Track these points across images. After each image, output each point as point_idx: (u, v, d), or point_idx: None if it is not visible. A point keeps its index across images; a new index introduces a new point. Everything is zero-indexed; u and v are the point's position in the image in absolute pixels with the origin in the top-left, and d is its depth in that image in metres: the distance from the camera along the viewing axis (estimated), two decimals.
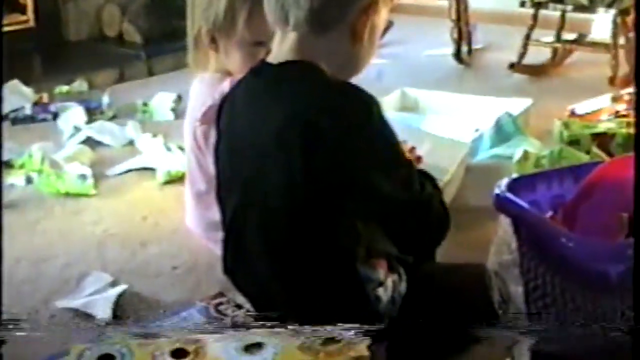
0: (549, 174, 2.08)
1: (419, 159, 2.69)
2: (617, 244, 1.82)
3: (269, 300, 1.87)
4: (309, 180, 1.68)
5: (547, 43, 4.66)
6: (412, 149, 2.73)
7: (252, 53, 2.30)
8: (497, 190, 1.93)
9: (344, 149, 1.66)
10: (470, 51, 4.85)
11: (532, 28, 4.50)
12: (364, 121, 1.67)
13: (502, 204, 1.90)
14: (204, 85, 2.38)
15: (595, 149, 3.05)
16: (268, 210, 1.77)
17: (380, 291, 1.85)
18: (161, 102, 3.98)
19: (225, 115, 1.89)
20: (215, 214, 2.37)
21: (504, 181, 1.96)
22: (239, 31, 2.30)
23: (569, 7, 4.43)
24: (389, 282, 1.87)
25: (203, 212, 2.44)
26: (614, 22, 4.30)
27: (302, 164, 1.66)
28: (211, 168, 2.35)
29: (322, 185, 1.68)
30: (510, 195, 1.89)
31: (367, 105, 1.68)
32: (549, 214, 1.96)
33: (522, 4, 4.50)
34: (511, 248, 1.97)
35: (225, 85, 2.29)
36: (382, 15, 1.77)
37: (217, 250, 2.37)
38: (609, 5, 4.27)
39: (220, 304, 1.87)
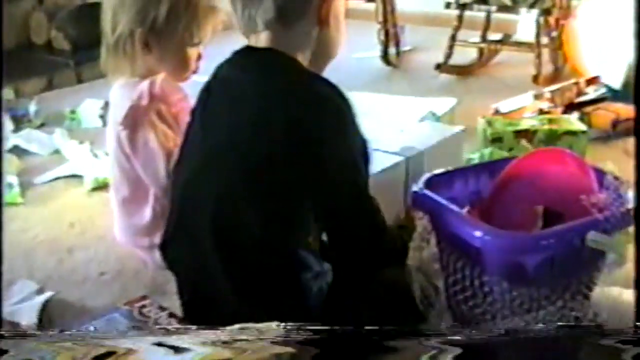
0: (465, 170, 2.12)
1: None
2: (531, 235, 1.87)
3: (204, 278, 1.88)
4: (280, 167, 1.74)
5: (473, 43, 4.73)
6: None
7: (190, 54, 2.31)
8: (414, 188, 1.97)
9: (323, 143, 1.74)
10: (398, 53, 4.89)
11: (457, 29, 4.56)
12: (343, 119, 1.77)
13: (419, 201, 1.94)
14: (124, 89, 2.36)
15: (524, 142, 3.10)
16: (225, 189, 1.82)
17: (312, 281, 1.88)
18: (89, 109, 3.94)
19: (200, 100, 1.93)
20: (140, 219, 2.39)
21: (422, 178, 2.00)
22: (179, 33, 2.29)
23: (493, 8, 4.50)
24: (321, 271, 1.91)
25: (128, 219, 2.43)
26: (537, 22, 4.38)
27: (277, 151, 1.73)
28: (136, 172, 2.35)
29: (291, 175, 1.75)
30: (427, 192, 1.93)
31: (347, 103, 1.78)
32: (466, 209, 2.01)
33: (447, 6, 4.56)
34: (430, 244, 2.01)
35: (144, 86, 2.28)
36: (342, 0, 1.87)
37: (144, 256, 2.39)
38: (531, 6, 4.34)
39: (144, 306, 1.88)
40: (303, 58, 1.84)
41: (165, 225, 2.02)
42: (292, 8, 1.79)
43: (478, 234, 1.78)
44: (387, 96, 3.78)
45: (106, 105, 3.82)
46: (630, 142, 3.42)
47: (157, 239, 2.22)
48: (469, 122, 3.52)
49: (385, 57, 4.81)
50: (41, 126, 3.92)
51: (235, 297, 1.82)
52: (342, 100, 1.78)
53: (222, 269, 1.84)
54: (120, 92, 2.38)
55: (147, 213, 2.36)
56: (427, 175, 2.02)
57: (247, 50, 1.85)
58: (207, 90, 1.92)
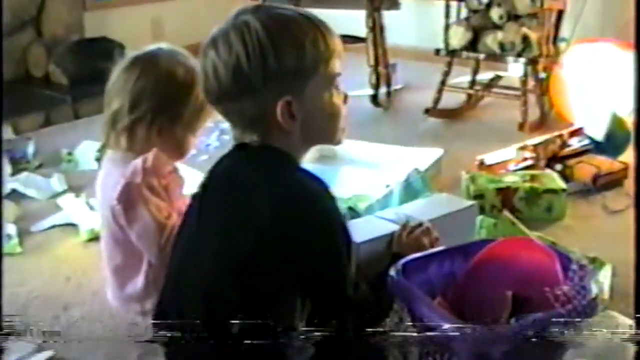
0: (440, 253, 2.21)
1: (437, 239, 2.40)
2: (499, 330, 1.95)
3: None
4: (266, 260, 1.83)
5: (462, 89, 4.83)
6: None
7: (191, 141, 2.45)
8: (391, 273, 2.07)
9: (306, 239, 1.83)
10: (389, 93, 4.98)
11: (446, 74, 4.67)
12: (326, 214, 1.86)
13: (394, 288, 2.04)
14: (117, 163, 2.46)
15: (506, 213, 3.18)
16: (215, 275, 1.90)
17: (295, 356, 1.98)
18: (86, 152, 4.05)
19: (201, 186, 2.03)
20: (133, 287, 2.49)
21: (399, 263, 2.10)
22: (192, 123, 2.43)
23: (482, 56, 4.60)
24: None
25: (121, 286, 2.53)
26: (524, 71, 4.49)
27: (264, 246, 1.82)
28: (129, 242, 2.44)
29: (276, 268, 1.83)
30: (400, 279, 2.04)
31: (331, 198, 1.87)
32: (439, 297, 2.11)
33: (437, 52, 4.67)
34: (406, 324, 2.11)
35: (137, 164, 2.38)
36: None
37: (137, 318, 2.48)
38: (519, 55, 4.45)
39: None
40: (295, 149, 1.93)
41: (159, 298, 2.12)
42: (254, 121, 1.87)
43: (446, 327, 1.88)
44: (378, 145, 3.90)
45: (103, 147, 3.93)
46: (609, 196, 3.55)
47: (149, 305, 2.33)
48: (455, 172, 3.64)
49: (374, 99, 4.91)
50: (39, 167, 4.02)
51: None
52: (326, 195, 1.87)
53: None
54: (112, 165, 2.48)
55: (139, 281, 2.45)
56: (403, 260, 2.12)
57: (243, 147, 1.94)
58: (209, 178, 2.03)
